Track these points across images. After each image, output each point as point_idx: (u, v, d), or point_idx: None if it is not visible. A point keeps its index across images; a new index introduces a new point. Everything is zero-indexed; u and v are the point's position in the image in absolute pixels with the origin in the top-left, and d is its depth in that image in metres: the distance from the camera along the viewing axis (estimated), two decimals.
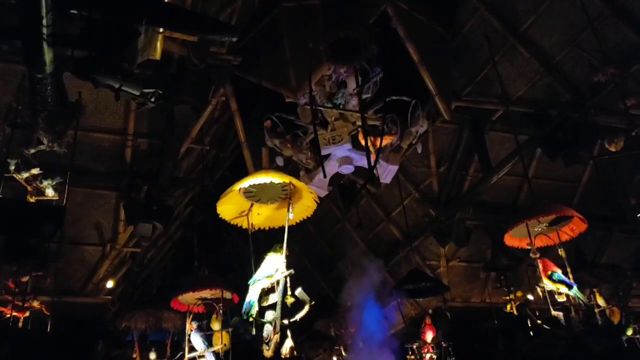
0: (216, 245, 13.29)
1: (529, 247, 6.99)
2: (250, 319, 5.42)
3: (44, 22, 4.49)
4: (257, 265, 5.63)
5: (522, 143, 9.11)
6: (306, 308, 5.30)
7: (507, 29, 8.73)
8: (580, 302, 6.88)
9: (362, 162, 6.82)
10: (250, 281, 5.56)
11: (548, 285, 7.05)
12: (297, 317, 5.30)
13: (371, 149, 6.31)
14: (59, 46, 4.94)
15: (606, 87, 8.17)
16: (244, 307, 5.51)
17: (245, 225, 5.82)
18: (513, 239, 7.25)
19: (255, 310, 5.43)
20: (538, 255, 6.97)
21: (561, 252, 6.60)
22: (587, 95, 8.63)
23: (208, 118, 9.08)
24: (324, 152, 6.64)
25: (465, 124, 10.28)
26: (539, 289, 7.03)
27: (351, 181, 5.74)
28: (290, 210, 5.67)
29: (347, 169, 6.63)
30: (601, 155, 9.65)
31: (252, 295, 5.48)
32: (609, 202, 11.22)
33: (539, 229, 7.06)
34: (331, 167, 6.83)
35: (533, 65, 8.94)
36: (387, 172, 6.95)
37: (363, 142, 6.54)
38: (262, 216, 5.92)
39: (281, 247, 5.61)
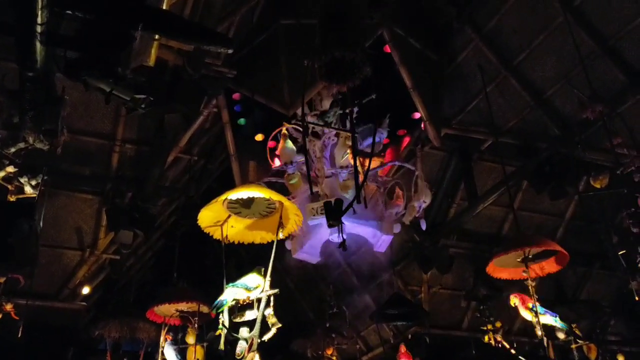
0: (197, 258, 13.10)
1: (511, 279, 6.97)
2: (219, 332, 5.34)
3: (38, 20, 4.43)
4: (230, 279, 5.56)
5: (509, 174, 9.15)
6: (273, 330, 5.26)
7: (500, 61, 8.83)
8: (563, 328, 6.86)
9: (355, 229, 6.76)
10: (228, 285, 5.50)
11: (528, 316, 7.05)
12: (265, 338, 5.24)
13: (360, 169, 6.31)
14: (52, 45, 4.87)
15: (594, 125, 8.26)
16: (216, 302, 5.45)
17: (216, 235, 5.75)
18: (496, 269, 7.21)
19: (226, 316, 5.35)
20: (534, 284, 6.95)
21: (531, 285, 6.54)
22: (575, 131, 8.71)
23: (198, 128, 9.05)
24: (311, 223, 6.54)
25: (453, 151, 10.32)
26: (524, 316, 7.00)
27: (338, 199, 5.68)
28: (281, 230, 5.66)
29: (340, 237, 6.51)
30: (586, 191, 9.72)
31: (227, 296, 5.41)
32: (592, 238, 11.27)
33: (521, 261, 7.04)
34: (322, 235, 6.72)
35: (524, 98, 9.03)
36: (381, 242, 6.90)
37: (352, 162, 6.55)
38: (234, 229, 5.86)
39: (263, 270, 5.56)
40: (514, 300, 7.33)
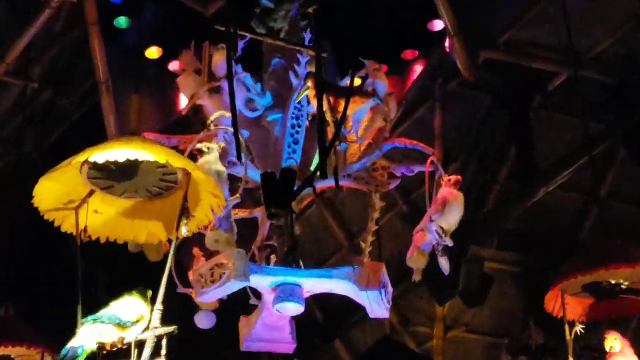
0: (41, 264, 13.03)
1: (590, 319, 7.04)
2: None
3: None
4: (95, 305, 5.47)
5: (594, 136, 9.27)
6: None
7: None
8: None
9: (323, 287, 6.65)
10: (87, 319, 5.41)
11: None
12: None
13: (329, 118, 6.18)
14: None
15: None
16: (64, 350, 5.38)
17: (66, 226, 5.54)
18: (564, 301, 7.21)
19: None
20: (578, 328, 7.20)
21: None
22: None
23: (40, 33, 8.92)
24: (202, 299, 6.44)
25: (497, 93, 10.38)
26: None
27: (285, 169, 5.48)
28: (185, 221, 5.51)
29: (296, 309, 6.36)
30: None
31: (83, 338, 5.34)
32: None
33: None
34: (271, 317, 6.57)
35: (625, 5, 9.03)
36: (372, 302, 6.73)
37: (316, 105, 6.44)
38: (102, 216, 5.68)
39: (150, 293, 5.49)
40: (614, 340, 7.37)
